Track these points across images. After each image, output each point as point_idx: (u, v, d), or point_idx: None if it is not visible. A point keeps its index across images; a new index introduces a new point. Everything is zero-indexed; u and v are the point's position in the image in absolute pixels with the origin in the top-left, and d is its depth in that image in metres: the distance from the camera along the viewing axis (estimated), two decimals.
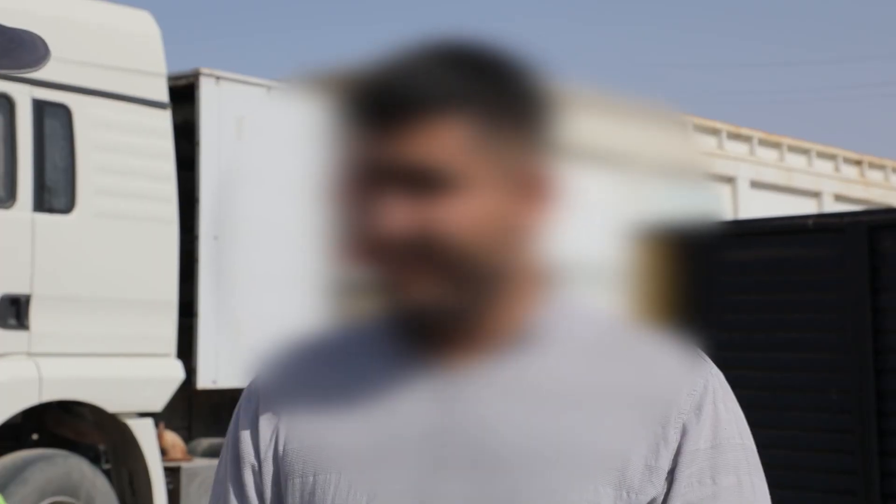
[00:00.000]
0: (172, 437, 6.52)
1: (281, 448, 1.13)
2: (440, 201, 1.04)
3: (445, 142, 1.04)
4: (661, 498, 1.06)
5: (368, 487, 1.09)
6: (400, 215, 1.04)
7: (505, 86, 1.07)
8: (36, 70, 1.20)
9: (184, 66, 6.86)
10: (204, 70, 6.78)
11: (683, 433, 1.07)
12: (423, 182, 1.04)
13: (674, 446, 1.07)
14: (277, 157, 6.98)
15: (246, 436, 1.16)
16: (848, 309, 4.88)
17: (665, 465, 1.06)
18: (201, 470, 6.42)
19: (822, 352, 4.97)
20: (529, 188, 1.07)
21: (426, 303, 1.06)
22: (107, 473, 6.07)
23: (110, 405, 5.92)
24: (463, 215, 1.04)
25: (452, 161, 1.04)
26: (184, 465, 6.37)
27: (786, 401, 5.01)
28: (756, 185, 9.55)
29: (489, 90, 1.06)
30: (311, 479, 1.11)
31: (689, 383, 1.08)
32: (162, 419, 6.36)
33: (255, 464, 1.15)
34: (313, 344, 1.20)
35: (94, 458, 6.15)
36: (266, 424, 1.15)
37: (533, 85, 1.08)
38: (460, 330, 1.10)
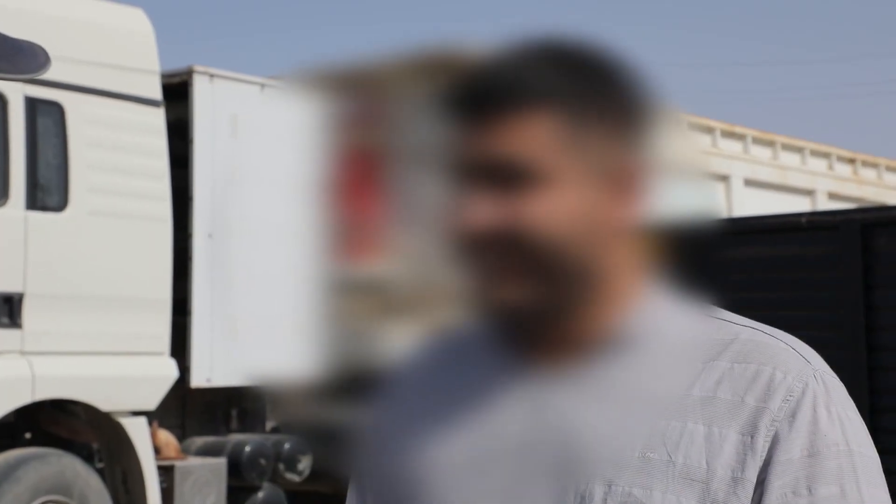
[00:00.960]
0: (166, 436, 6.51)
1: (387, 460, 1.15)
2: (526, 196, 1.03)
3: (533, 136, 1.03)
4: None
5: (462, 500, 1.09)
6: (486, 210, 1.03)
7: (593, 81, 1.06)
8: (36, 76, 1.20)
9: (177, 64, 6.87)
10: (197, 68, 6.77)
11: (774, 442, 1.01)
12: (510, 177, 1.03)
13: (762, 456, 1.01)
14: (271, 155, 6.98)
15: (361, 451, 1.19)
16: (841, 307, 4.89)
17: (752, 476, 1.01)
18: (195, 468, 6.41)
19: (816, 349, 4.97)
20: (620, 184, 1.06)
21: (515, 303, 1.05)
22: (100, 472, 6.07)
23: (104, 404, 5.91)
24: (550, 210, 1.03)
25: (540, 155, 1.03)
26: (177, 463, 6.36)
27: None
28: (750, 183, 9.56)
29: (576, 85, 1.05)
30: (411, 497, 1.12)
31: (786, 387, 1.03)
32: (155, 418, 6.34)
33: (367, 481, 1.18)
34: (419, 357, 1.20)
35: (88, 457, 6.15)
36: (373, 437, 1.18)
37: (621, 80, 1.07)
38: (552, 333, 1.09)
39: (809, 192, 10.20)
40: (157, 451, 6.27)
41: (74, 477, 5.83)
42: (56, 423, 6.06)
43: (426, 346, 1.20)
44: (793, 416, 1.02)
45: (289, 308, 6.79)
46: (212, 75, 6.82)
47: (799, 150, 10.34)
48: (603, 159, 1.05)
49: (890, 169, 11.39)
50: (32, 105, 5.79)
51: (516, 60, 1.05)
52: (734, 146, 9.72)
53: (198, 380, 6.66)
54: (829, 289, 4.95)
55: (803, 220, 5.24)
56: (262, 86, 7.08)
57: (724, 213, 8.75)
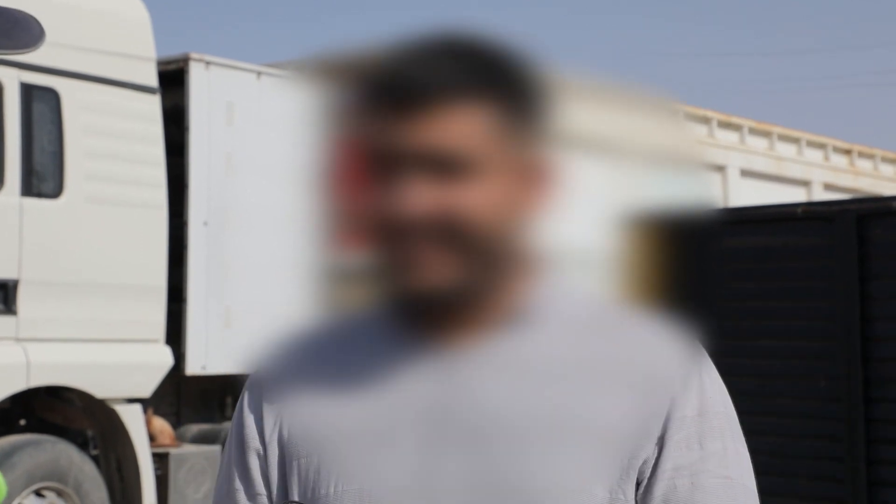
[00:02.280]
0: (161, 423, 6.51)
1: (285, 432, 1.17)
2: (461, 185, 1.09)
3: (468, 128, 1.08)
4: (653, 460, 1.12)
5: (369, 466, 1.12)
6: (422, 198, 1.08)
7: (516, 76, 1.12)
8: (31, 51, 1.21)
9: (173, 51, 6.86)
10: (193, 55, 6.75)
11: (672, 402, 1.13)
12: (445, 167, 1.08)
13: (663, 413, 1.12)
14: (268, 142, 6.97)
15: (250, 421, 1.20)
16: (836, 297, 4.90)
17: (656, 431, 1.12)
18: (189, 456, 6.42)
19: (811, 340, 4.98)
20: (533, 174, 1.13)
21: (438, 284, 1.10)
22: (95, 459, 6.08)
23: (98, 391, 5.91)
24: (482, 199, 1.09)
25: (474, 147, 1.09)
26: (172, 451, 6.36)
27: (774, 388, 5.03)
28: (746, 173, 9.56)
29: (505, 80, 1.11)
30: (315, 459, 1.14)
31: (676, 357, 1.15)
32: (150, 405, 6.35)
33: (260, 448, 1.18)
34: (314, 332, 1.23)
35: (83, 444, 6.15)
36: (270, 410, 1.18)
37: (537, 75, 1.14)
38: (460, 311, 1.14)
39: (805, 183, 10.20)
40: (152, 438, 6.27)
41: (69, 464, 5.83)
42: (51, 410, 6.07)
43: (326, 323, 1.24)
44: (685, 379, 1.14)
45: (284, 296, 6.79)
46: (208, 62, 6.81)
47: (795, 140, 10.34)
48: (521, 149, 1.12)
49: (886, 160, 11.40)
50: (28, 91, 5.77)
51: (442, 53, 1.10)
52: (730, 137, 9.72)
53: (193, 367, 6.66)
54: (825, 279, 4.95)
55: (799, 210, 5.24)
56: (259, 73, 7.06)
57: (719, 204, 8.76)
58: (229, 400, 7.24)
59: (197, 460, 6.42)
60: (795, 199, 9.47)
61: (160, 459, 6.26)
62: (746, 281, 5.15)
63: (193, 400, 7.09)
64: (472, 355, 1.14)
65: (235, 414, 1.23)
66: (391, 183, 1.09)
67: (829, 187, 10.31)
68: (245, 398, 1.22)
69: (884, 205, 5.02)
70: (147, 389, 6.11)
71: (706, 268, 5.28)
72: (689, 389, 1.13)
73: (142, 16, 6.25)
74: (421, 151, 1.08)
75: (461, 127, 1.08)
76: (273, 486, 1.18)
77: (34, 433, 5.90)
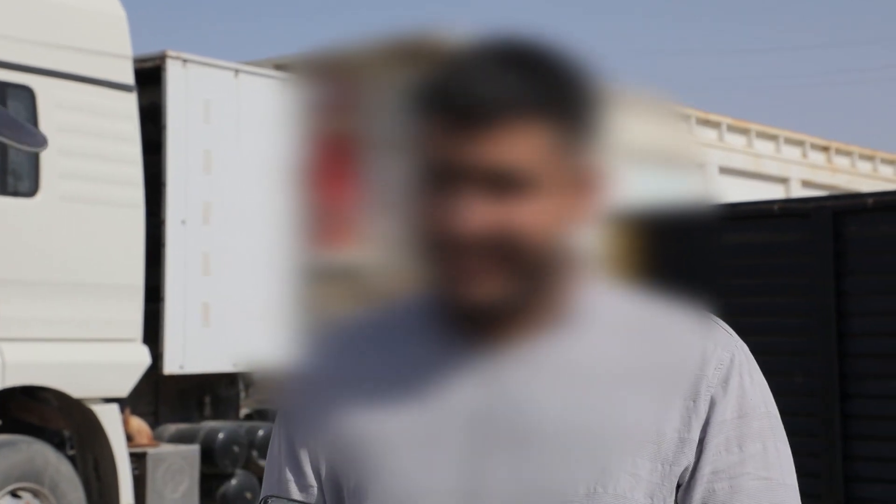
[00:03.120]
0: (138, 423, 6.49)
1: (334, 436, 1.17)
2: (518, 201, 1.09)
3: (528, 146, 1.09)
4: (693, 465, 1.13)
5: (414, 471, 1.13)
6: (479, 214, 1.08)
7: (574, 89, 1.12)
8: (39, 151, 1.26)
9: (150, 49, 6.84)
10: (170, 53, 6.75)
11: (712, 405, 1.14)
12: (503, 183, 1.09)
13: (703, 417, 1.13)
14: (245, 140, 6.97)
15: (300, 418, 1.20)
16: (813, 293, 4.93)
17: (696, 436, 1.13)
18: (167, 455, 6.41)
19: (788, 335, 5.01)
20: (585, 184, 1.14)
21: (489, 298, 1.11)
22: (72, 459, 6.05)
23: (75, 390, 5.89)
24: (537, 215, 1.10)
25: (533, 164, 1.09)
26: (150, 450, 6.35)
27: None
28: (724, 170, 9.59)
29: (563, 95, 1.11)
30: (359, 464, 1.15)
31: (717, 357, 1.15)
32: (128, 405, 6.32)
33: (310, 443, 1.19)
34: (355, 328, 1.23)
35: (59, 444, 6.12)
36: (317, 412, 1.18)
37: (591, 85, 1.14)
38: (506, 315, 1.14)
39: (783, 180, 10.24)
40: (130, 438, 6.25)
41: (45, 464, 5.80)
42: (27, 410, 6.03)
43: (363, 316, 1.24)
44: (725, 381, 1.15)
45: (262, 295, 6.78)
46: (185, 60, 6.80)
47: (773, 137, 10.38)
48: (575, 163, 1.13)
49: (863, 157, 11.46)
50: (3, 89, 5.74)
51: (501, 67, 1.10)
52: (709, 134, 9.74)
53: (171, 366, 6.65)
54: (801, 275, 4.98)
55: (775, 207, 5.28)
56: (237, 71, 7.06)
57: (711, 201, 8.77)
58: (207, 399, 7.23)
59: (175, 460, 6.40)
60: (774, 196, 9.49)
61: (137, 459, 6.24)
62: (724, 278, 5.17)
63: (171, 399, 7.07)
64: (516, 359, 1.15)
65: (281, 411, 1.22)
66: (448, 197, 1.09)
67: (807, 184, 10.35)
68: (290, 393, 1.22)
69: (859, 201, 5.05)
70: (124, 389, 6.08)
71: (681, 264, 5.30)
72: (730, 392, 1.14)
73: (118, 13, 6.23)
74: (480, 168, 1.08)
75: (522, 144, 1.09)
76: (322, 481, 1.18)
77: (10, 433, 5.87)
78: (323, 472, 1.18)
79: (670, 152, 8.70)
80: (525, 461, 1.12)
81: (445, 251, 1.10)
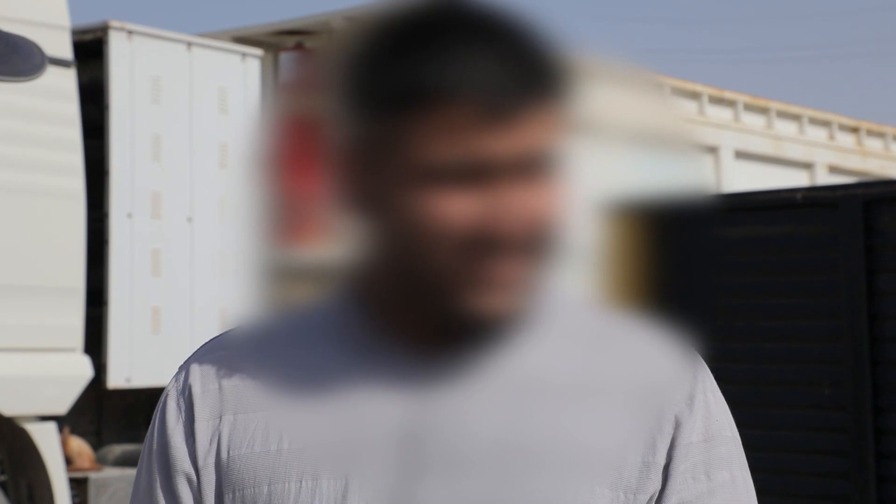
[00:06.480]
0: (79, 444, 6.51)
1: (224, 454, 1.13)
2: (546, 187, 1.11)
3: (554, 128, 1.11)
4: (658, 492, 1.14)
5: (335, 496, 1.10)
6: (522, 206, 1.09)
7: (565, 62, 1.14)
8: (32, 79, 1.17)
9: (91, 20, 6.80)
10: (114, 23, 6.76)
11: (677, 425, 1.15)
12: (535, 170, 1.10)
13: (668, 439, 1.14)
14: (199, 123, 7.00)
15: (178, 440, 1.15)
16: (841, 293, 4.92)
17: (661, 460, 1.14)
18: (112, 480, 6.42)
19: (813, 341, 5.03)
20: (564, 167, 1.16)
21: (506, 307, 1.10)
22: (2, 486, 6.02)
23: (6, 407, 5.84)
24: (560, 198, 1.12)
25: (559, 147, 1.12)
26: (92, 475, 6.37)
27: (772, 396, 5.07)
28: (741, 155, 9.63)
29: (562, 68, 1.13)
30: (265, 488, 1.11)
31: (680, 374, 1.17)
32: (67, 423, 6.33)
33: (192, 473, 1.14)
34: (254, 333, 1.19)
35: None
36: (204, 427, 1.14)
37: (570, 58, 1.16)
38: (435, 318, 1.12)
39: (808, 166, 10.30)
40: (69, 461, 6.25)
41: None
42: None
43: (271, 321, 1.21)
44: (690, 399, 1.16)
45: (219, 297, 6.81)
46: (130, 32, 6.82)
47: (796, 117, 10.42)
48: (568, 141, 1.14)
49: None
50: None
51: (513, 50, 1.10)
52: (723, 114, 9.77)
53: (116, 380, 6.66)
54: (828, 273, 4.98)
55: (799, 196, 5.28)
56: (190, 45, 7.07)
57: (711, 189, 8.78)
58: None
59: (120, 485, 6.41)
60: (796, 183, 9.51)
61: (78, 485, 6.26)
62: (740, 275, 5.20)
63: (116, 417, 7.08)
64: (455, 368, 1.13)
65: (155, 429, 1.17)
66: (483, 192, 1.08)
67: (834, 170, 10.40)
68: (168, 410, 1.16)
69: (893, 189, 5.06)
70: (63, 405, 6.05)
71: (694, 261, 5.30)
72: (695, 411, 1.15)
73: None
74: (512, 157, 1.08)
75: (549, 126, 1.10)
76: None
77: None
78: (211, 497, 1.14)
79: (661, 131, 8.68)
80: (461, 486, 1.09)
81: (471, 253, 1.08)
